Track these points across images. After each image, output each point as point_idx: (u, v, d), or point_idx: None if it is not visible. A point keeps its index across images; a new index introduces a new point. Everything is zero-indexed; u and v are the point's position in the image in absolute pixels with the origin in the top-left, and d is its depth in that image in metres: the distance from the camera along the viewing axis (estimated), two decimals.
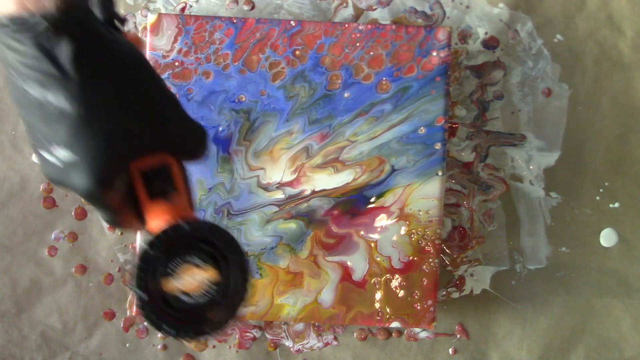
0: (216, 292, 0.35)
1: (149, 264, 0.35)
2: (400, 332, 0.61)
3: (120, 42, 0.35)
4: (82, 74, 0.33)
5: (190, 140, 0.38)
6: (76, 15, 0.32)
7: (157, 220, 0.37)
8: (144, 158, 0.36)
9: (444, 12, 0.61)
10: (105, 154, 0.34)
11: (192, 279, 0.35)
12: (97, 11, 0.35)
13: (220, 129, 0.56)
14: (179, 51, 0.56)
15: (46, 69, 0.32)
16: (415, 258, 0.56)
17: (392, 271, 0.56)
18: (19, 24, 0.31)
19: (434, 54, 0.56)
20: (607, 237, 0.62)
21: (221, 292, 0.36)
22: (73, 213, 0.61)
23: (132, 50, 0.36)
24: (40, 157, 0.35)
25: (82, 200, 0.61)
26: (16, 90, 0.34)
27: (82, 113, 0.33)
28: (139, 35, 0.61)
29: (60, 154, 0.34)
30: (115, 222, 0.38)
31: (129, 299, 0.61)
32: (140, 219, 0.39)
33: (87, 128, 0.34)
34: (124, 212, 0.38)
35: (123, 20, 0.37)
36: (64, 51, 0.32)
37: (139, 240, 0.56)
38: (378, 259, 0.56)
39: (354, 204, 0.56)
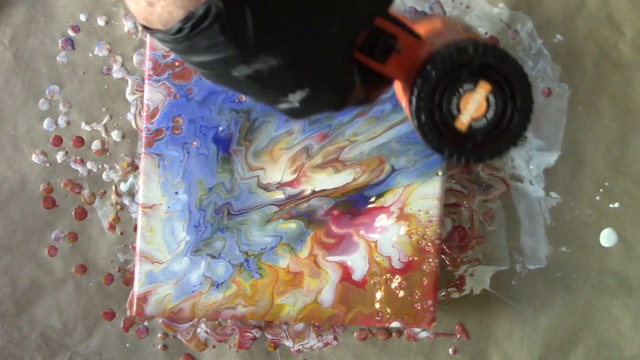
0: (503, 99, 0.35)
1: (428, 125, 0.35)
2: (400, 332, 0.61)
3: None
4: (270, 30, 0.32)
5: None
6: None
7: (403, 71, 0.37)
8: (353, 39, 0.36)
9: (444, 12, 0.61)
10: (330, 70, 0.34)
11: (475, 103, 0.35)
12: None
13: (220, 129, 0.56)
14: None
15: (239, 48, 0.31)
16: (415, 258, 0.56)
17: (392, 271, 0.56)
18: (195, 21, 0.30)
19: None
20: (607, 237, 0.62)
21: (507, 96, 0.35)
22: (73, 213, 0.61)
23: None
24: (281, 110, 0.36)
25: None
26: (223, 81, 0.34)
27: (291, 56, 0.33)
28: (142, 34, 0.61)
29: (296, 97, 0.35)
30: (367, 101, 0.39)
31: (129, 299, 0.61)
32: (388, 83, 0.40)
33: (304, 63, 0.33)
34: (373, 91, 0.38)
35: None
36: (246, 21, 0.31)
37: (139, 242, 0.56)
38: (378, 259, 0.56)
39: (354, 204, 0.56)
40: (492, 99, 0.36)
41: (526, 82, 0.36)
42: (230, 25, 0.31)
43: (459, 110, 0.36)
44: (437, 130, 0.36)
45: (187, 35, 0.31)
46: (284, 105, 0.36)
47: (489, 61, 0.35)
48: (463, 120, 0.36)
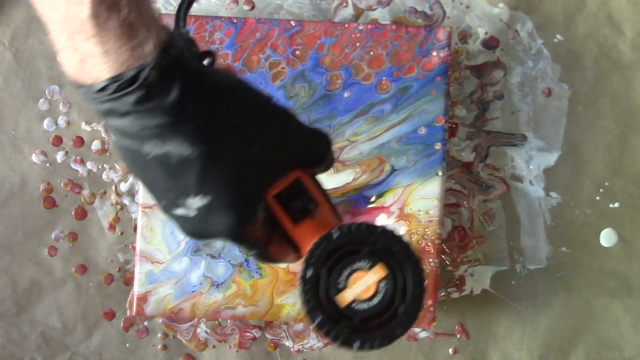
0: (393, 289, 0.34)
1: (312, 284, 0.34)
2: None
3: (218, 73, 0.34)
4: (196, 112, 0.31)
5: (315, 149, 0.37)
6: (175, 58, 0.31)
7: (310, 241, 0.35)
8: (276, 181, 0.35)
9: (444, 12, 0.61)
10: (239, 186, 0.33)
11: (363, 284, 0.34)
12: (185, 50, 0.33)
13: None
14: None
15: (158, 121, 0.31)
16: None
17: None
18: (120, 82, 0.30)
19: (434, 54, 0.56)
20: (607, 237, 0.62)
21: (398, 287, 0.35)
22: (73, 213, 0.61)
23: (231, 78, 0.35)
24: (175, 217, 0.34)
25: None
26: (132, 156, 0.33)
27: (205, 151, 0.32)
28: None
29: (194, 203, 0.33)
30: (268, 256, 0.37)
31: (129, 299, 0.61)
32: (292, 248, 0.37)
33: (215, 165, 0.32)
34: (274, 244, 0.37)
35: (210, 54, 0.36)
36: (171, 96, 0.31)
37: (139, 242, 0.56)
38: None
39: (354, 204, 0.56)
40: (382, 286, 0.34)
41: (421, 284, 0.35)
42: (156, 94, 0.30)
43: (345, 285, 0.34)
44: (317, 294, 0.34)
45: (111, 95, 0.30)
46: (179, 211, 0.34)
47: (392, 249, 0.35)
48: (345, 296, 0.34)
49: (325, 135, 0.38)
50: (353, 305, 0.34)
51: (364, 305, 0.34)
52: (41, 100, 0.61)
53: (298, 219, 0.36)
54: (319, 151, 0.37)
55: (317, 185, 0.38)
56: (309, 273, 0.34)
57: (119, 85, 0.30)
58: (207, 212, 0.33)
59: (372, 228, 0.35)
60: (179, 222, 0.35)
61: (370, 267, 0.34)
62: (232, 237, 0.34)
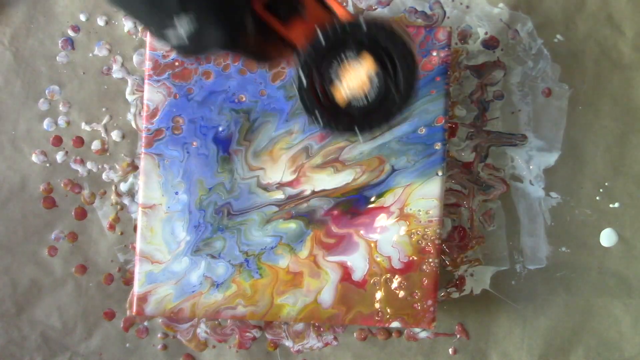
0: (385, 78, 0.35)
1: (308, 89, 0.35)
2: (400, 332, 0.61)
3: None
4: None
5: None
6: None
7: (303, 38, 0.37)
8: None
9: (444, 12, 0.61)
10: None
11: (356, 77, 0.35)
12: None
13: (220, 129, 0.56)
14: None
15: None
16: (415, 258, 0.56)
17: (392, 271, 0.56)
18: None
19: (434, 54, 0.56)
20: (607, 237, 0.62)
21: (390, 76, 0.35)
22: (73, 213, 0.61)
23: None
24: (167, 38, 0.35)
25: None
26: None
27: None
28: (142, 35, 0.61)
29: (181, 22, 0.34)
30: (265, 59, 0.38)
31: (129, 299, 0.61)
32: (289, 48, 0.38)
33: None
34: (268, 48, 0.37)
35: None
36: None
37: (139, 242, 0.56)
38: (378, 259, 0.56)
39: (354, 204, 0.56)
40: (375, 79, 0.35)
41: (412, 68, 0.35)
42: None
43: (339, 80, 0.35)
44: (316, 98, 0.36)
45: None
46: (169, 33, 0.35)
47: (378, 38, 0.35)
48: (342, 91, 0.35)
49: None
50: (351, 102, 0.36)
51: (361, 101, 0.36)
52: (41, 100, 0.61)
53: (288, 20, 0.37)
54: None
55: None
56: (304, 80, 0.36)
57: None
58: (196, 27, 0.34)
59: (355, 22, 0.35)
60: (172, 42, 0.36)
61: (357, 56, 0.35)
62: (225, 46, 0.35)
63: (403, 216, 0.56)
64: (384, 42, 0.35)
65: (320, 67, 0.36)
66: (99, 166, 0.61)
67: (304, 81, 0.36)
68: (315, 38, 0.35)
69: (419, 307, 0.56)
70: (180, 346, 0.61)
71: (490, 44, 0.61)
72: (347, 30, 0.35)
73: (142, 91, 0.60)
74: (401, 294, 0.56)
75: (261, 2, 0.37)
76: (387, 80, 0.35)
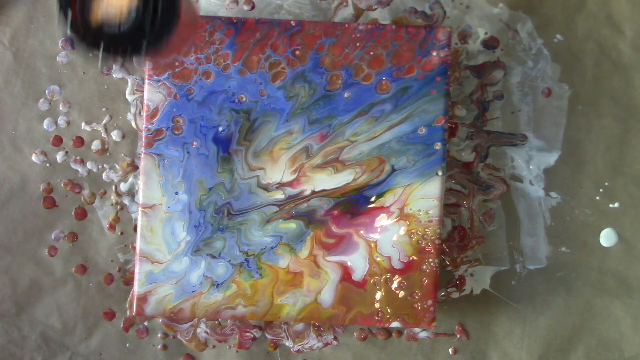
0: (140, 14, 0.35)
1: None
2: (400, 332, 0.61)
3: None
4: None
5: None
6: None
7: None
8: None
9: (444, 12, 0.61)
10: None
11: (116, 3, 0.35)
12: None
13: (220, 129, 0.56)
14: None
15: None
16: (415, 258, 0.56)
17: (392, 271, 0.56)
18: None
19: (434, 54, 0.56)
20: (607, 237, 0.62)
21: (147, 14, 0.35)
22: (73, 213, 0.61)
23: None
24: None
25: (83, 199, 0.61)
26: None
27: None
28: None
29: None
30: None
31: (129, 299, 0.61)
32: None
33: None
34: None
35: None
36: None
37: (139, 242, 0.56)
38: (378, 259, 0.56)
39: (354, 204, 0.56)
40: (133, 11, 0.35)
41: (174, 14, 0.35)
42: None
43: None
44: (73, 4, 0.35)
45: None
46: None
47: None
48: (96, 11, 0.35)
49: None
50: (103, 25, 0.35)
51: (113, 28, 0.35)
52: (41, 100, 0.61)
53: None
54: None
55: None
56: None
57: None
58: None
59: None
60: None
61: None
62: None
63: (403, 216, 0.56)
64: None
65: None
66: (99, 166, 0.61)
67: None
68: None
69: (419, 307, 0.56)
70: (180, 346, 0.61)
71: (490, 44, 0.61)
72: None
73: (142, 91, 0.60)
74: (401, 294, 0.56)
75: None
76: (144, 17, 0.35)
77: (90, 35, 0.35)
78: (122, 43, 0.35)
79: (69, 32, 0.35)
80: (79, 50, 0.35)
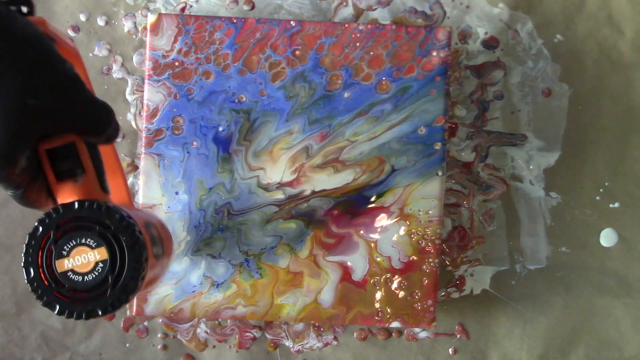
0: (106, 273, 0.36)
1: (37, 241, 0.36)
2: (400, 332, 0.61)
3: (21, 22, 0.35)
4: None
5: (94, 118, 0.38)
6: None
7: (65, 200, 0.37)
8: (48, 136, 0.37)
9: (444, 12, 0.61)
10: (6, 129, 0.34)
11: (83, 259, 0.36)
12: None
13: (220, 129, 0.56)
14: (179, 51, 0.56)
15: None
16: (415, 258, 0.56)
17: (392, 271, 0.56)
18: None
19: (434, 54, 0.56)
20: (607, 237, 0.62)
21: (112, 273, 0.36)
22: None
23: (33, 31, 0.35)
24: None
25: None
26: None
27: None
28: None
29: None
30: (22, 199, 0.38)
31: None
32: (51, 199, 0.39)
33: None
34: (30, 190, 0.37)
35: (29, 3, 0.36)
36: None
37: None
38: (378, 259, 0.56)
39: (354, 204, 0.56)
40: (100, 267, 0.36)
41: (135, 279, 0.36)
42: None
43: (68, 254, 0.36)
44: (39, 252, 0.36)
45: None
46: None
47: (123, 237, 0.36)
48: (64, 263, 0.36)
49: (108, 109, 0.39)
50: (69, 274, 0.36)
51: (78, 277, 0.36)
52: None
53: (62, 178, 0.38)
54: (99, 122, 0.38)
55: (93, 154, 0.39)
56: (39, 232, 0.36)
57: None
58: None
59: (112, 212, 0.36)
60: None
61: (95, 247, 0.36)
62: None
63: (403, 216, 0.56)
64: (126, 243, 0.36)
65: (57, 234, 0.36)
66: None
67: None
68: (69, 209, 0.36)
69: (419, 307, 0.56)
70: (180, 346, 0.61)
71: (490, 44, 0.61)
72: (99, 217, 0.36)
73: (142, 91, 0.60)
74: (401, 294, 0.56)
75: (46, 146, 0.37)
76: (108, 275, 0.36)
77: (52, 285, 0.36)
78: (86, 295, 0.36)
79: (28, 282, 0.36)
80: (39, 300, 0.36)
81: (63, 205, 0.36)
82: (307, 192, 0.56)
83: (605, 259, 0.62)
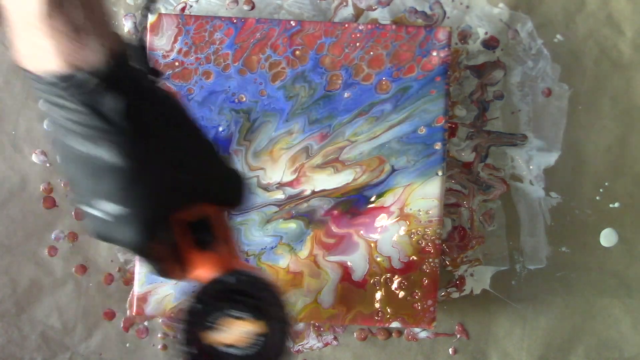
0: (258, 345, 0.36)
1: (195, 318, 0.36)
2: (400, 332, 0.61)
3: (161, 94, 0.35)
4: (133, 127, 0.33)
5: (229, 189, 0.38)
6: (124, 69, 0.33)
7: (202, 270, 0.37)
8: (188, 209, 0.36)
9: (444, 12, 0.61)
10: (156, 206, 0.34)
11: (233, 332, 0.36)
12: (136, 65, 0.35)
13: (220, 129, 0.56)
14: (179, 51, 0.56)
15: (96, 125, 0.32)
16: (415, 258, 0.56)
17: (392, 271, 0.56)
18: (68, 82, 0.31)
19: (434, 54, 0.56)
20: (607, 237, 0.62)
21: (263, 344, 0.37)
22: (73, 213, 0.61)
23: (173, 102, 0.36)
24: (85, 212, 0.35)
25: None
26: (62, 147, 0.34)
27: (133, 166, 0.33)
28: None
29: (108, 208, 0.34)
30: (160, 271, 0.38)
31: (129, 299, 0.61)
32: (182, 268, 0.39)
33: (138, 181, 0.33)
34: (169, 262, 0.38)
35: (159, 73, 0.37)
36: (114, 105, 0.32)
37: None
38: (378, 259, 0.56)
39: (354, 204, 0.56)
40: (258, 339, 0.37)
41: (282, 351, 0.37)
42: (101, 101, 0.32)
43: (219, 326, 0.36)
44: (197, 328, 0.36)
45: (56, 89, 0.32)
46: (90, 210, 0.35)
47: (271, 312, 0.37)
48: (220, 336, 0.36)
49: (240, 178, 0.39)
50: (217, 346, 0.36)
51: (235, 350, 0.36)
52: (41, 100, 0.61)
53: (204, 248, 0.38)
54: (233, 191, 0.39)
55: (226, 223, 0.39)
56: (197, 307, 0.36)
57: (67, 84, 0.31)
58: (120, 221, 0.34)
59: (258, 282, 0.37)
60: (89, 219, 0.35)
61: (244, 318, 0.36)
62: (135, 250, 0.35)
63: (403, 216, 0.56)
64: (273, 316, 0.37)
65: (207, 310, 0.36)
66: None
67: (192, 320, 0.36)
68: (222, 283, 0.36)
69: (419, 307, 0.56)
70: None
71: (490, 44, 0.61)
72: (242, 286, 0.37)
73: None
74: (401, 294, 0.56)
75: (185, 220, 0.37)
76: (259, 342, 0.37)
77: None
78: None
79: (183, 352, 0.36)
80: None
81: (217, 280, 0.36)
82: (307, 192, 0.56)
83: (605, 259, 0.62)
